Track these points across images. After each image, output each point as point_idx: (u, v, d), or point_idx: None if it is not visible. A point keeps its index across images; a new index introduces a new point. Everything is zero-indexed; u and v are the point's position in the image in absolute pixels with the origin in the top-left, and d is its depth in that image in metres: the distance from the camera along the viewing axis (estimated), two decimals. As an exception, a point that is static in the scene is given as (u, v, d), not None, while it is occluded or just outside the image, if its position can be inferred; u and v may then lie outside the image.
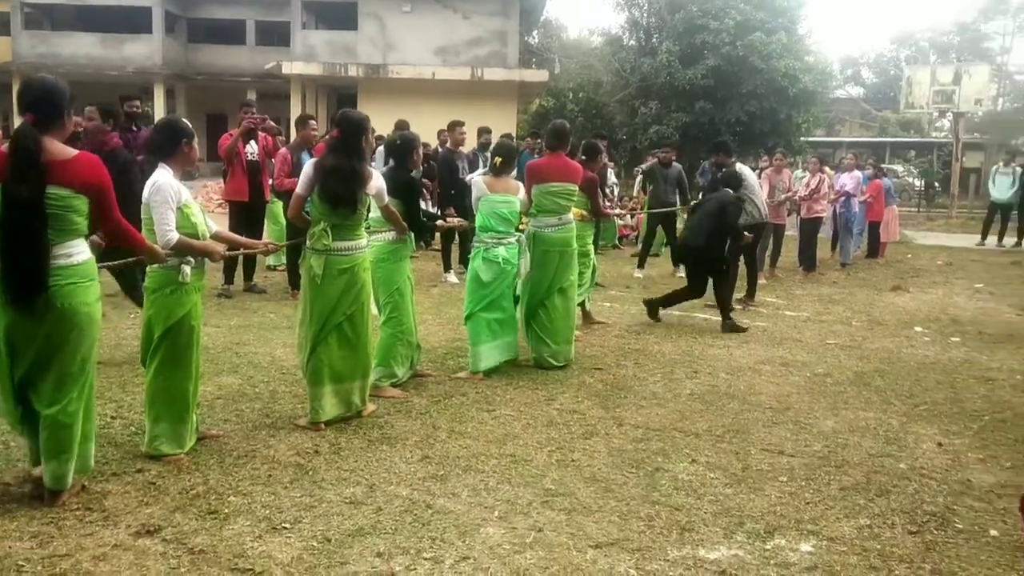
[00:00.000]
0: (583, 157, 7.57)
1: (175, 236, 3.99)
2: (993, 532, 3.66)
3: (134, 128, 8.52)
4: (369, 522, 3.54)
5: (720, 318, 8.01)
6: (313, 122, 9.23)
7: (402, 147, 5.81)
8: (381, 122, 12.75)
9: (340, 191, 4.63)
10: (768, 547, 3.45)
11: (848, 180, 12.87)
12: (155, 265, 4.07)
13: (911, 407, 5.58)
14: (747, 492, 4.02)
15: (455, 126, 10.67)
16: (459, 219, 7.10)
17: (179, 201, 4.05)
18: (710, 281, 8.15)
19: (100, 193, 3.49)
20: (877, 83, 53.20)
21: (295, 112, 25.56)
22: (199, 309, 4.24)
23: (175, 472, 4.01)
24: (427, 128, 14.08)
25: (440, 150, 12.41)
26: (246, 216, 8.90)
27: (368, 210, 4.95)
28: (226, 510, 3.62)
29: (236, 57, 30.38)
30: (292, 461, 4.23)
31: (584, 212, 7.48)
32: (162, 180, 4.00)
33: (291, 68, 25.85)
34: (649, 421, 5.08)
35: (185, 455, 4.19)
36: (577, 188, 6.57)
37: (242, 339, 6.89)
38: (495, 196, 6.07)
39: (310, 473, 4.08)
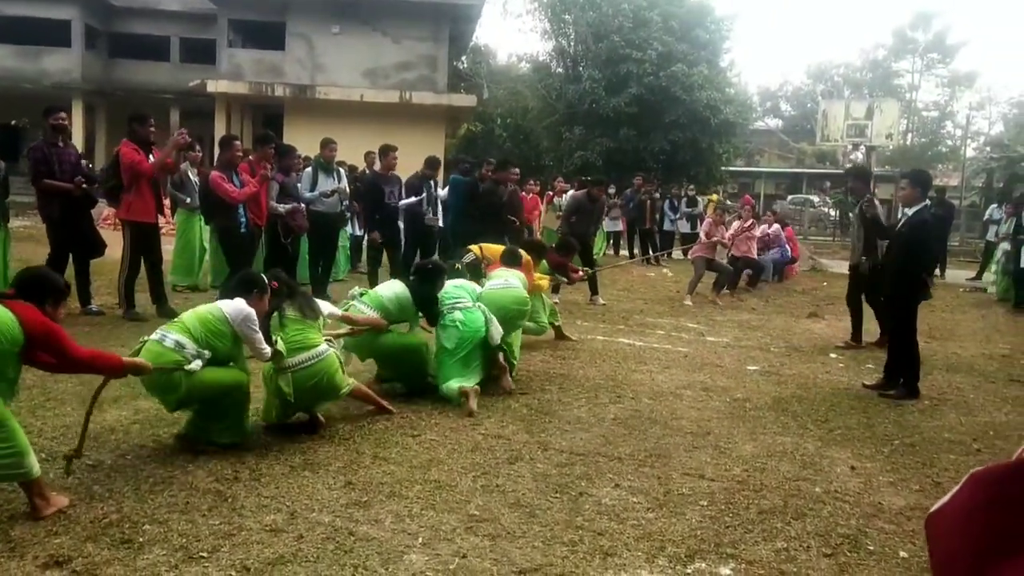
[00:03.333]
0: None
1: (270, 350, 4.71)
2: (903, 553, 3.79)
3: (60, 143, 8.23)
4: (290, 550, 3.48)
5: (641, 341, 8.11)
6: (237, 143, 9.02)
7: (433, 273, 6.30)
8: (308, 144, 12.66)
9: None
10: (689, 571, 3.51)
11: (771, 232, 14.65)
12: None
13: (826, 432, 5.73)
14: (669, 516, 4.07)
15: (388, 150, 10.51)
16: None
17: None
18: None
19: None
20: (795, 115, 55.07)
21: (219, 131, 25.17)
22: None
23: (87, 500, 3.89)
24: (354, 150, 14.07)
25: (367, 172, 12.36)
26: (151, 236, 8.47)
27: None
28: (140, 539, 3.52)
29: (159, 74, 29.77)
30: (211, 488, 4.14)
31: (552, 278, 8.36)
32: (249, 310, 4.60)
33: (216, 86, 25.47)
34: (573, 446, 5.11)
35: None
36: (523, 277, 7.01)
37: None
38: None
39: (229, 500, 3.99)
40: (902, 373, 6.90)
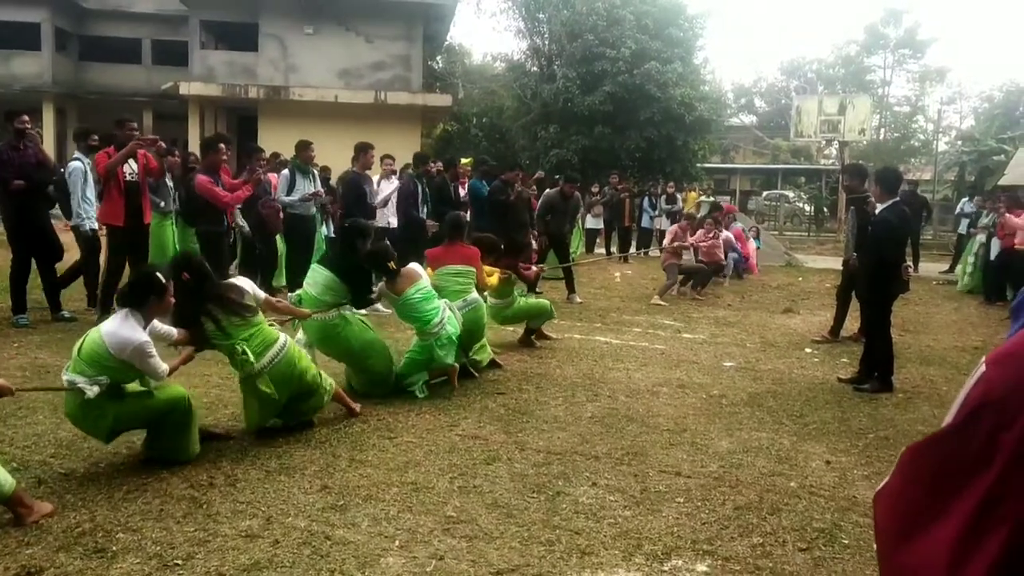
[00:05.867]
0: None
1: (166, 368, 4.37)
2: (875, 543, 3.81)
3: (22, 146, 8.18)
4: (266, 556, 3.46)
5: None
6: (223, 146, 8.87)
7: (350, 232, 6.09)
8: (282, 144, 12.59)
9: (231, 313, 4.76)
10: (666, 568, 3.52)
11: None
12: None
13: (801, 426, 5.77)
14: (645, 514, 4.09)
15: (367, 148, 10.40)
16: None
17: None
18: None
19: None
20: (769, 112, 55.37)
21: (193, 133, 24.97)
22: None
23: (60, 509, 3.85)
24: (329, 151, 13.99)
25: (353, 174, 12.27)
26: (126, 241, 8.36)
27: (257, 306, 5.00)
28: (114, 548, 3.49)
29: (131, 76, 29.47)
30: (185, 494, 4.11)
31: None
32: (136, 342, 4.14)
33: (189, 88, 25.22)
34: (551, 445, 5.12)
35: None
36: (472, 268, 6.90)
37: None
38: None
39: (204, 506, 3.97)
40: (876, 367, 6.96)
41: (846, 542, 3.86)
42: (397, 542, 3.65)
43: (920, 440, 1.41)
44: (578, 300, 11.26)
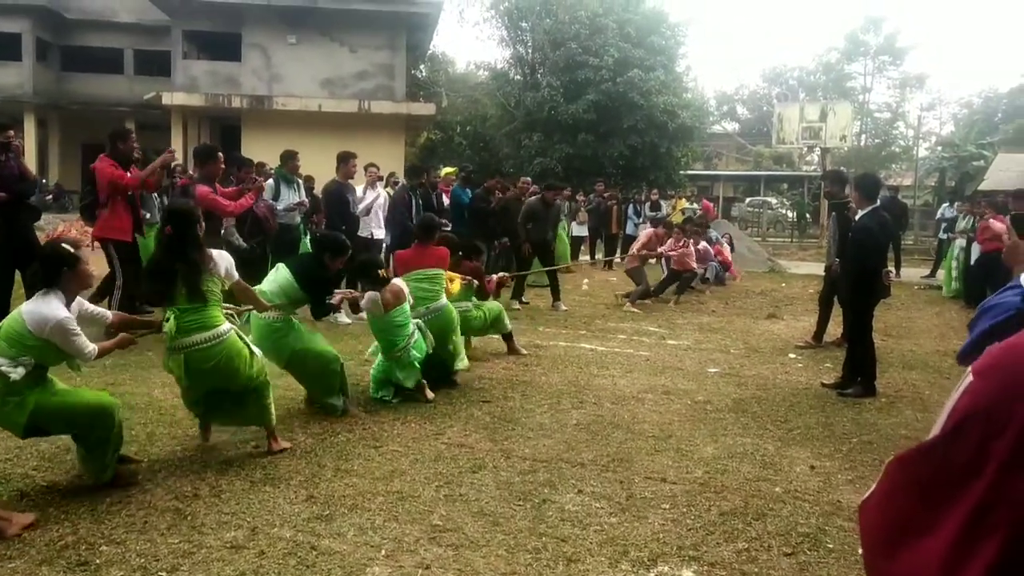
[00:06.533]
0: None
1: (94, 349, 4.13)
2: (861, 551, 3.83)
3: (4, 158, 8.13)
4: (251, 567, 3.45)
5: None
6: (221, 155, 8.77)
7: (322, 245, 5.95)
8: (266, 154, 12.55)
9: (188, 284, 4.53)
10: (652, 575, 3.53)
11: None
12: None
13: (786, 431, 5.80)
14: (631, 521, 4.09)
15: (348, 158, 10.32)
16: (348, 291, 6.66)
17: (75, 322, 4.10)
18: None
19: None
20: (751, 119, 55.74)
21: (176, 143, 24.86)
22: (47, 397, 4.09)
23: (42, 522, 3.82)
24: (313, 160, 13.97)
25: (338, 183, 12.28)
26: (131, 254, 8.27)
27: (224, 290, 4.79)
28: (97, 561, 3.46)
29: (114, 86, 29.38)
30: (170, 506, 4.09)
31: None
32: (56, 317, 3.93)
33: (172, 99, 25.16)
34: (536, 453, 5.12)
35: None
36: (443, 272, 6.85)
37: (117, 379, 6.62)
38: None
39: (189, 518, 3.95)
40: (859, 372, 7.00)
41: (831, 546, 3.88)
42: (383, 551, 3.64)
43: (908, 450, 1.42)
44: (563, 308, 11.28)
